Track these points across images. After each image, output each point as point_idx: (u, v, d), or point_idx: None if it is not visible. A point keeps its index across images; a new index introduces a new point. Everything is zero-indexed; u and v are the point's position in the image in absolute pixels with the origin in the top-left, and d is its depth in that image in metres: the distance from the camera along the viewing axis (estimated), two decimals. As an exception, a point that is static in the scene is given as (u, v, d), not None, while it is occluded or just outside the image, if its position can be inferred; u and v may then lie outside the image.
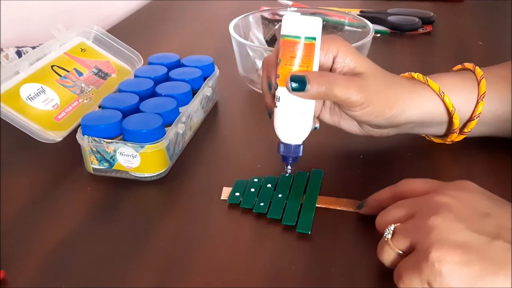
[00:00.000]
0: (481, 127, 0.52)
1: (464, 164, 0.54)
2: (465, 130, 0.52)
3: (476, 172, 0.52)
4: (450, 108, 0.50)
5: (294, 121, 0.47)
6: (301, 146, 0.48)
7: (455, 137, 0.53)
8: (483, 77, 0.51)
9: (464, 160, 0.55)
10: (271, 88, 0.48)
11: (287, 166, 0.49)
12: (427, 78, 0.50)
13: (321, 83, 0.45)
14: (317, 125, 0.50)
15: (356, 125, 0.52)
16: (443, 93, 0.49)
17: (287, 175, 0.50)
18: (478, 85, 0.51)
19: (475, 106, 0.51)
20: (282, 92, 0.46)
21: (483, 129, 0.53)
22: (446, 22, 0.96)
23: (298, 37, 0.45)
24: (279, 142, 0.48)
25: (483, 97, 0.50)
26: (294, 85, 0.45)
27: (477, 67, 0.52)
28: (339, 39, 0.49)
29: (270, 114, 0.49)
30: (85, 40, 0.70)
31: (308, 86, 0.45)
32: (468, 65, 0.53)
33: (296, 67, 0.45)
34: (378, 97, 0.48)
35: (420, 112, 0.50)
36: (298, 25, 0.45)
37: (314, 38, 0.45)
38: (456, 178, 0.42)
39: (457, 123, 0.51)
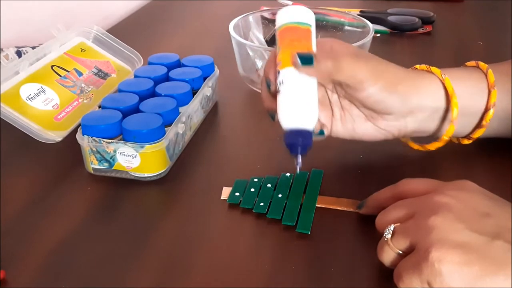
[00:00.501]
0: (494, 122, 0.50)
1: (464, 164, 0.54)
2: (483, 123, 0.50)
3: (476, 172, 0.52)
4: (450, 91, 0.48)
5: (300, 101, 0.44)
6: (310, 134, 0.44)
7: (478, 133, 0.50)
8: (488, 68, 0.50)
9: (464, 160, 0.55)
10: (270, 86, 0.47)
11: (297, 159, 0.43)
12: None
13: (327, 58, 0.45)
14: (325, 130, 0.49)
15: (372, 126, 0.50)
16: (444, 75, 0.48)
17: (298, 171, 0.44)
18: (486, 76, 0.50)
19: (488, 96, 0.49)
20: (285, 74, 0.45)
21: (495, 124, 0.51)
22: (446, 22, 0.96)
23: (296, 22, 0.46)
24: (285, 132, 0.44)
25: (494, 86, 0.49)
26: (303, 60, 0.44)
27: (480, 62, 0.51)
28: (331, 38, 0.48)
29: (273, 116, 0.47)
30: (85, 40, 0.70)
31: (315, 63, 0.44)
32: (470, 63, 0.52)
33: (297, 48, 0.45)
34: (387, 72, 0.47)
35: (432, 94, 0.48)
36: (293, 13, 0.47)
37: (309, 25, 0.46)
38: (456, 178, 0.42)
39: (456, 109, 0.48)
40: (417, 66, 0.51)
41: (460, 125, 0.49)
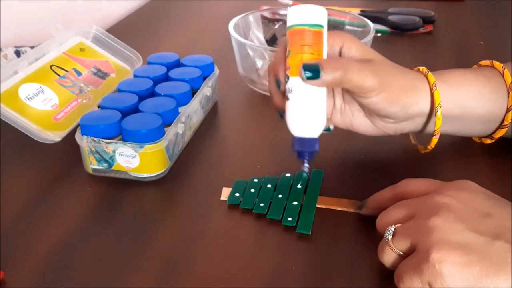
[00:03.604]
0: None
1: (464, 164, 0.54)
2: (505, 123, 0.50)
3: (476, 172, 0.52)
4: (436, 105, 0.48)
5: (308, 111, 0.45)
6: (317, 140, 0.45)
7: (499, 133, 0.51)
8: (504, 68, 0.50)
9: (464, 160, 0.54)
10: (280, 85, 0.47)
11: (303, 164, 0.46)
12: (429, 72, 0.49)
13: (335, 69, 0.44)
14: (331, 126, 0.49)
15: (370, 123, 0.51)
16: (435, 87, 0.48)
17: (305, 174, 0.47)
18: (503, 76, 0.50)
19: (508, 97, 0.49)
20: (294, 82, 0.45)
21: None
22: (447, 21, 0.96)
23: (307, 25, 0.44)
24: (294, 137, 0.46)
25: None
26: (308, 74, 0.43)
27: (494, 61, 0.51)
28: (342, 32, 0.49)
29: (282, 114, 0.48)
30: (84, 39, 0.70)
31: (322, 73, 0.43)
32: (484, 62, 0.52)
33: (307, 55, 0.45)
34: (392, 83, 0.47)
35: (431, 102, 0.48)
36: (305, 13, 0.45)
37: (321, 26, 0.45)
38: (457, 178, 0.42)
39: (439, 124, 0.49)
40: (421, 68, 0.50)
41: (467, 127, 0.51)
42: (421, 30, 0.91)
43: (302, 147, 0.45)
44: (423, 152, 0.53)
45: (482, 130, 0.52)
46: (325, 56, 0.46)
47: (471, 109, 0.49)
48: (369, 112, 0.49)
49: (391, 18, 0.92)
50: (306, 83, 0.44)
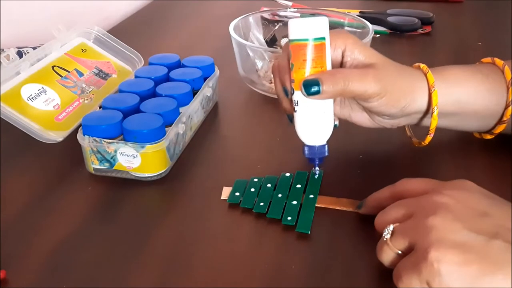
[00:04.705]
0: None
1: (463, 164, 0.54)
2: (504, 119, 0.51)
3: (476, 172, 0.53)
4: (433, 105, 0.49)
5: (315, 122, 0.47)
6: (326, 146, 0.48)
7: (499, 128, 0.52)
8: (504, 65, 0.51)
9: (464, 160, 0.55)
10: (288, 94, 0.48)
11: (315, 168, 0.50)
12: (429, 70, 0.50)
13: (335, 82, 0.45)
14: (337, 122, 0.50)
15: (367, 117, 0.52)
16: (434, 88, 0.48)
17: (316, 176, 0.51)
18: (503, 72, 0.50)
19: (508, 93, 0.50)
20: (299, 96, 0.46)
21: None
22: (445, 22, 0.96)
23: (308, 40, 0.45)
24: (304, 145, 0.49)
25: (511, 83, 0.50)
26: (309, 90, 0.45)
27: (496, 59, 0.52)
28: (344, 33, 0.49)
29: (291, 119, 0.50)
30: (85, 40, 0.70)
31: (323, 88, 0.45)
32: (485, 60, 0.53)
33: (309, 69, 0.46)
34: (393, 87, 0.47)
35: (428, 100, 0.49)
36: (306, 27, 0.45)
37: (323, 38, 0.45)
38: (455, 178, 0.42)
39: (434, 123, 0.49)
40: (422, 66, 0.51)
41: (463, 122, 0.52)
42: (420, 31, 0.92)
43: (313, 154, 0.48)
44: (417, 146, 0.54)
45: (479, 126, 0.53)
46: (328, 65, 0.46)
47: (467, 105, 0.50)
48: (369, 111, 0.50)
49: (390, 19, 0.92)
50: (308, 98, 0.46)
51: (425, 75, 0.49)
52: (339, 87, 0.45)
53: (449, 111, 0.50)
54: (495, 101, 0.50)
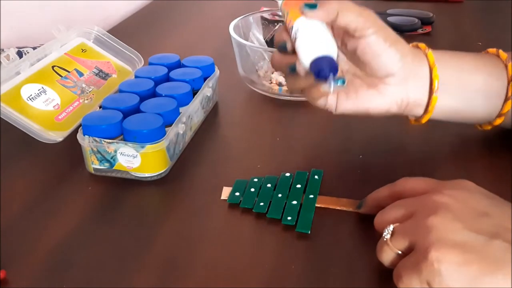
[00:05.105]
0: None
1: (463, 164, 0.54)
2: (503, 112, 0.51)
3: (476, 172, 0.53)
4: (434, 84, 0.49)
5: (318, 36, 0.46)
6: (333, 58, 0.44)
7: (498, 121, 0.52)
8: (509, 60, 0.51)
9: (464, 160, 0.55)
10: (286, 45, 0.47)
11: (329, 81, 0.43)
12: (429, 50, 0.51)
13: (333, 1, 0.46)
14: (345, 78, 0.46)
15: (375, 92, 0.49)
16: (435, 66, 0.49)
17: (338, 84, 0.43)
18: (506, 68, 0.51)
19: (508, 87, 0.50)
20: (298, 23, 0.46)
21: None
22: (445, 22, 0.96)
23: None
24: (311, 63, 0.44)
25: None
26: (307, 6, 0.45)
27: (500, 50, 0.52)
28: None
29: (294, 68, 0.47)
30: (85, 40, 0.70)
31: (320, 5, 0.45)
32: (491, 50, 0.53)
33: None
34: (389, 30, 0.48)
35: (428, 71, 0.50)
36: None
37: None
38: (455, 178, 0.42)
39: (434, 101, 0.50)
40: (420, 45, 0.52)
41: (469, 102, 0.52)
42: (420, 31, 0.92)
43: (321, 64, 0.44)
44: (413, 123, 0.53)
45: (484, 107, 0.52)
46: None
47: (469, 80, 0.51)
48: (371, 79, 0.49)
49: (390, 19, 0.92)
50: (308, 16, 0.45)
51: (426, 55, 0.50)
52: (335, 6, 0.45)
53: (450, 82, 0.50)
54: (496, 77, 0.51)
